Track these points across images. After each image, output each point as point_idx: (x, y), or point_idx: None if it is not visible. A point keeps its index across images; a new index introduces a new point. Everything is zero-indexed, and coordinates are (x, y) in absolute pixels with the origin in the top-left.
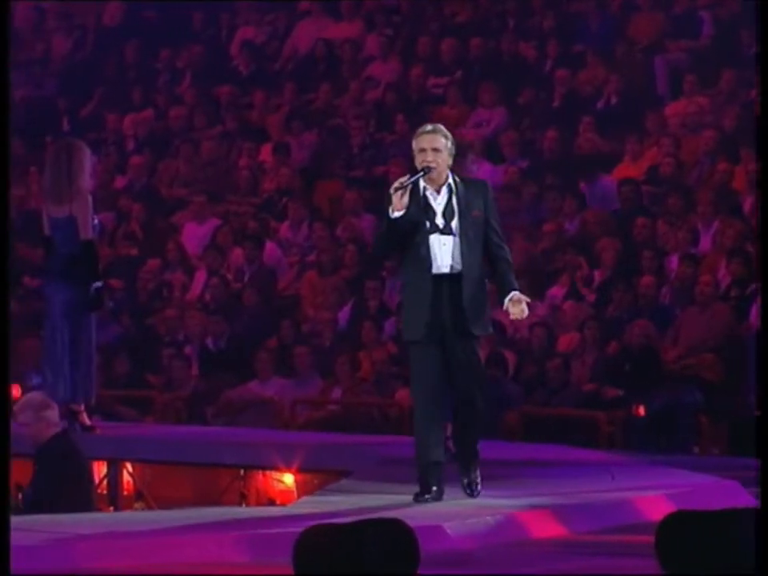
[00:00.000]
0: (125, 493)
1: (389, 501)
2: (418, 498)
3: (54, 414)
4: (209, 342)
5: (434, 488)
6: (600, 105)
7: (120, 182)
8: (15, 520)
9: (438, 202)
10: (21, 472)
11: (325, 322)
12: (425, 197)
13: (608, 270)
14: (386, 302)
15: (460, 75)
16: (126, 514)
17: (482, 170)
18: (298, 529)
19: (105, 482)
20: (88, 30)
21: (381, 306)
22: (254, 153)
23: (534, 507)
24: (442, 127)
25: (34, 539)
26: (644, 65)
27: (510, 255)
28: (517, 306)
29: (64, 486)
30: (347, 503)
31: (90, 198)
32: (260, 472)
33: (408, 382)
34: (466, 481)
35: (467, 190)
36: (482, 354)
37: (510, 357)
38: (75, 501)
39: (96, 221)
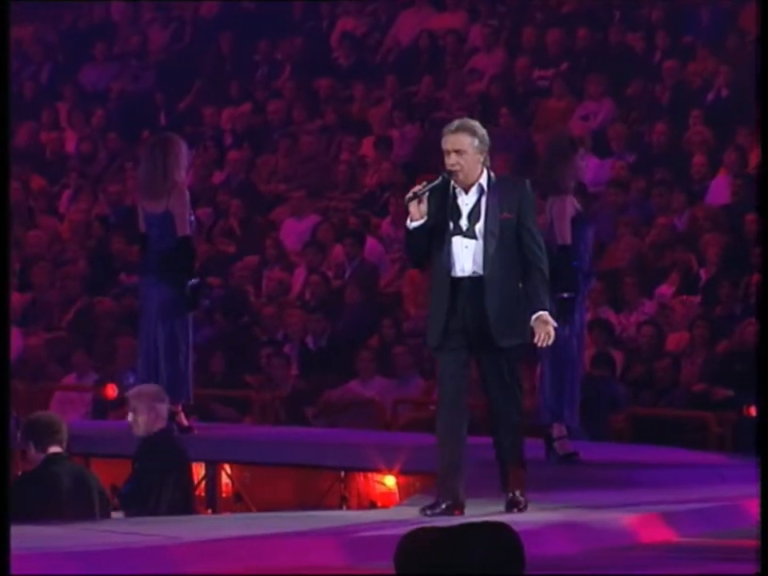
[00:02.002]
0: (223, 495)
1: (493, 504)
2: (425, 512)
3: (164, 408)
4: (309, 340)
5: (444, 504)
6: (710, 97)
7: (217, 177)
8: (111, 521)
9: (466, 203)
10: (115, 472)
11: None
12: (454, 197)
13: (714, 267)
14: None
15: (566, 67)
16: (225, 517)
17: (589, 164)
18: (400, 532)
19: (203, 484)
20: (185, 22)
21: None
22: (354, 147)
23: (641, 511)
24: (469, 124)
25: (131, 542)
26: (755, 56)
27: (546, 263)
28: (542, 327)
29: (163, 484)
30: None
31: (186, 194)
32: (361, 474)
33: None
34: (507, 499)
35: (501, 190)
36: (587, 354)
37: (618, 356)
38: (174, 500)
39: (193, 217)
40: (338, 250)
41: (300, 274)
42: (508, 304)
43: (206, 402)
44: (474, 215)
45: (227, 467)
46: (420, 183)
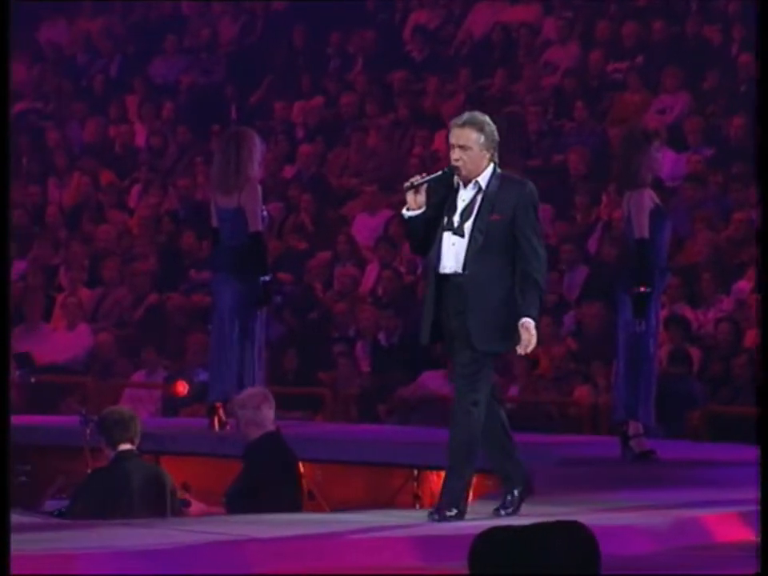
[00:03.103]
0: None
1: (567, 502)
2: (430, 515)
3: (271, 412)
4: (381, 337)
5: (454, 509)
6: None
7: (289, 171)
8: (182, 520)
9: (462, 200)
10: (185, 470)
11: None
12: (456, 192)
13: None
14: (564, 295)
15: (642, 60)
16: (298, 516)
17: (665, 158)
18: (474, 531)
19: None
20: (256, 14)
21: (559, 299)
22: (427, 141)
23: (718, 510)
24: (477, 118)
25: (202, 541)
26: None
27: (539, 269)
28: (523, 334)
29: (272, 486)
30: (524, 505)
31: (259, 189)
32: (434, 472)
33: (588, 380)
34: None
35: (501, 190)
36: (663, 351)
37: (695, 353)
38: (283, 501)
39: (265, 212)
40: (408, 245)
41: (372, 269)
42: (490, 307)
43: (278, 400)
44: (466, 213)
45: (300, 465)
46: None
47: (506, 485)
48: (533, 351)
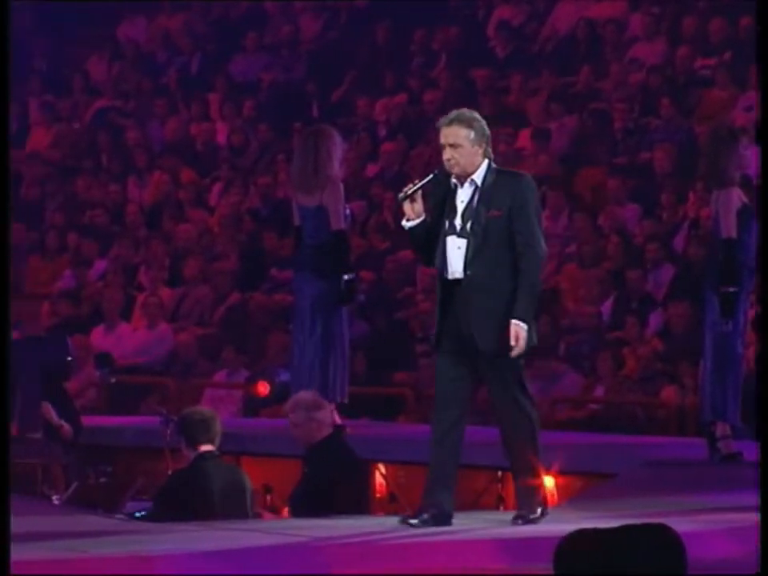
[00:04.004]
0: (377, 495)
1: (654, 505)
2: (404, 520)
3: (325, 414)
4: None
5: (425, 514)
6: None
7: (371, 169)
8: (261, 522)
9: (461, 201)
10: (267, 471)
11: (586, 317)
12: (454, 193)
13: None
14: (650, 294)
15: (729, 56)
16: (380, 518)
17: (753, 155)
18: (559, 533)
19: None
20: (338, 10)
21: (645, 298)
22: (511, 139)
23: None
24: (465, 115)
25: (282, 542)
26: None
27: (534, 268)
28: (512, 336)
29: (336, 488)
30: (610, 507)
31: (341, 187)
32: None
33: (674, 380)
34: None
35: (497, 185)
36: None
37: None
38: (348, 503)
39: (347, 210)
40: None
41: None
42: (496, 309)
43: (359, 400)
44: (467, 213)
45: (381, 467)
46: (412, 182)
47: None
48: (618, 350)
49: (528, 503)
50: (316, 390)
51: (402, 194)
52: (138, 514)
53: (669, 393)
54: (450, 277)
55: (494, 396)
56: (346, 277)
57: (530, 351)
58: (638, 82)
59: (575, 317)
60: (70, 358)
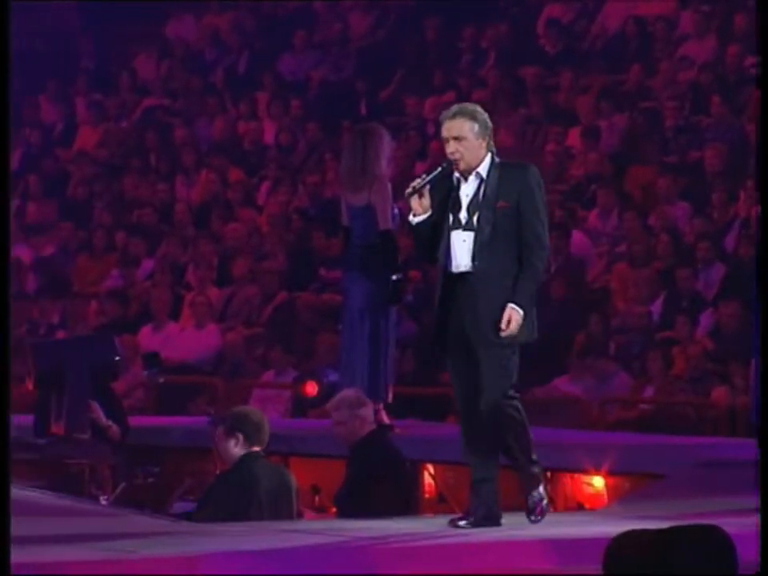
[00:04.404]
0: (426, 496)
1: (704, 506)
2: (453, 521)
3: (368, 411)
4: None
5: (474, 516)
6: None
7: (420, 168)
8: (308, 522)
9: (466, 194)
10: (315, 472)
11: (636, 316)
12: (457, 188)
13: None
14: (701, 293)
15: None
16: (427, 519)
17: None
18: (609, 535)
19: None
20: (388, 8)
21: (695, 298)
22: (561, 137)
23: None
24: (468, 108)
25: (328, 542)
26: None
27: (541, 257)
28: (504, 317)
29: (380, 486)
30: (660, 508)
31: (388, 186)
32: (568, 474)
33: (725, 380)
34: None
35: (502, 176)
36: None
37: None
38: (392, 501)
39: (396, 209)
40: None
41: None
42: (500, 300)
43: (407, 400)
44: (473, 206)
45: (430, 467)
46: (420, 176)
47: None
48: (668, 350)
49: (530, 490)
50: (364, 390)
51: (410, 189)
52: (183, 513)
53: (719, 393)
54: (454, 270)
55: (484, 384)
56: (394, 277)
57: (528, 342)
58: (688, 80)
59: (625, 316)
60: (117, 358)
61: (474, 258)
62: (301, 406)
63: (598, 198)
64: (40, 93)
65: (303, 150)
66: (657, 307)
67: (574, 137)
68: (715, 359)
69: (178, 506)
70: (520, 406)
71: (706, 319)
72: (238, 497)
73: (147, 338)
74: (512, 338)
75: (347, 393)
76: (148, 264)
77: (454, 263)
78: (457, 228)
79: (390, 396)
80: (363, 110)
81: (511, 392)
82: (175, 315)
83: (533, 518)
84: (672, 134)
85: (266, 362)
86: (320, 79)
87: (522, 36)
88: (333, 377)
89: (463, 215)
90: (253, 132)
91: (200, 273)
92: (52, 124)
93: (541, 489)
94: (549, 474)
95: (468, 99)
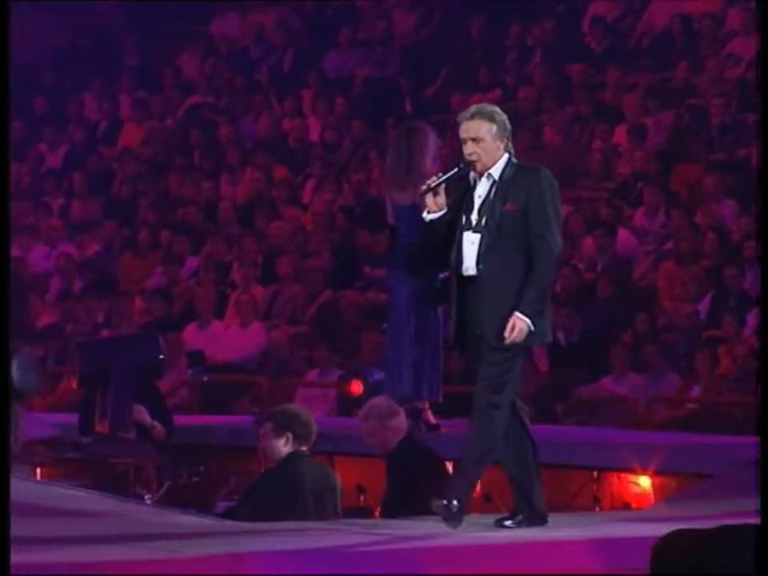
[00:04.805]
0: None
1: (751, 505)
2: (499, 521)
3: (399, 420)
4: (559, 335)
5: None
6: None
7: None
8: (352, 522)
9: (479, 195)
10: (360, 471)
11: (683, 315)
12: (472, 188)
13: None
14: (748, 292)
15: None
16: (472, 518)
17: None
18: (656, 535)
19: None
20: (432, 5)
21: (742, 296)
22: (607, 135)
23: None
24: (486, 109)
25: (374, 543)
26: None
27: (547, 264)
28: (509, 326)
29: (422, 491)
30: (707, 508)
31: None
32: (614, 474)
33: None
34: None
35: (514, 179)
36: None
37: None
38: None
39: None
40: (588, 241)
41: None
42: (502, 303)
43: (453, 399)
44: (484, 208)
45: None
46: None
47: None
48: (715, 349)
49: (451, 492)
50: (410, 389)
51: (425, 187)
52: (226, 509)
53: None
54: (464, 273)
55: (475, 391)
56: (440, 276)
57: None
58: (735, 77)
59: (672, 315)
60: (162, 357)
61: (478, 261)
62: (346, 405)
63: (645, 196)
64: (84, 90)
65: (348, 148)
66: (704, 306)
67: (621, 134)
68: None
69: (222, 505)
70: (498, 419)
71: (752, 318)
72: (282, 495)
73: (192, 336)
74: (516, 344)
75: (376, 402)
76: (193, 262)
77: (463, 265)
78: (468, 229)
79: (439, 395)
80: (408, 108)
81: (496, 399)
82: (220, 314)
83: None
84: (718, 132)
85: (311, 361)
86: (365, 77)
87: (568, 33)
88: (378, 376)
89: (474, 216)
90: (298, 130)
91: (244, 271)
92: (96, 122)
93: (455, 502)
94: (595, 473)
95: (514, 97)
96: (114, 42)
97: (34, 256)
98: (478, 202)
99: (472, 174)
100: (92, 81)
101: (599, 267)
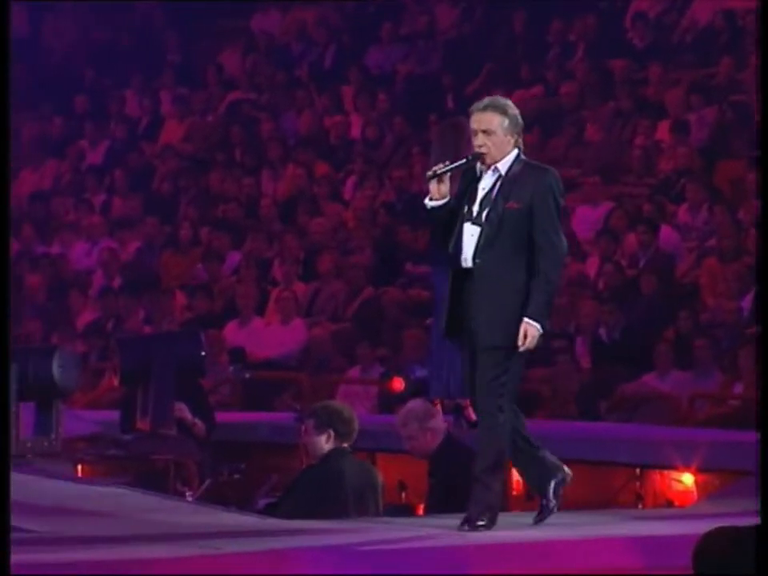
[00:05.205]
0: (514, 493)
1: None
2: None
3: (438, 420)
4: (602, 332)
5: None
6: None
7: None
8: (394, 520)
9: (482, 188)
10: (402, 468)
11: (726, 312)
12: (477, 180)
13: None
14: None
15: None
16: (513, 516)
17: None
18: (699, 532)
19: None
20: (475, 0)
21: None
22: (650, 131)
23: None
24: (500, 102)
25: (423, 541)
26: None
27: (553, 266)
28: (521, 334)
29: (462, 490)
30: (750, 505)
31: None
32: (657, 471)
33: None
34: (467, 511)
35: (520, 176)
36: None
37: None
38: None
39: None
40: (631, 238)
41: (593, 263)
42: (501, 301)
43: None
44: (485, 201)
45: None
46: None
47: (539, 491)
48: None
49: (476, 505)
50: (453, 385)
51: (430, 173)
52: (266, 504)
53: None
54: (462, 265)
55: (477, 387)
56: None
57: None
58: None
59: (715, 312)
60: (203, 354)
61: (475, 255)
62: (388, 402)
63: (688, 192)
64: (125, 87)
65: (390, 144)
66: (747, 303)
67: (664, 130)
68: None
69: (263, 502)
70: (503, 422)
71: None
72: (323, 492)
73: (233, 333)
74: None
75: (413, 406)
76: (233, 259)
77: (462, 256)
78: (468, 221)
79: None
80: (450, 104)
81: (500, 402)
82: (261, 311)
83: (465, 528)
84: (762, 128)
85: (353, 358)
86: (406, 73)
87: (611, 29)
88: (420, 373)
89: (476, 208)
90: (339, 126)
91: (286, 268)
92: (137, 118)
93: (480, 522)
94: (638, 470)
95: (556, 93)
96: (155, 38)
97: (76, 253)
98: (480, 195)
99: (479, 166)
100: (133, 77)
101: (642, 264)
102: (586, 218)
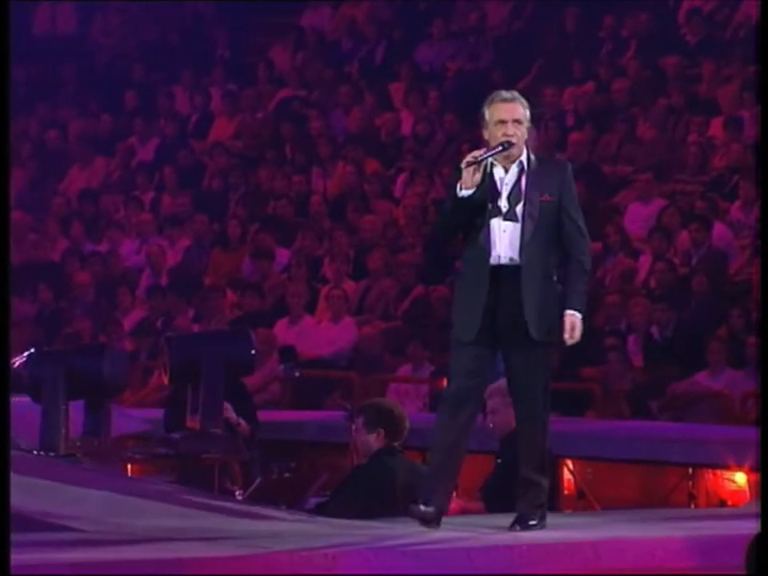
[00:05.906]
0: (565, 492)
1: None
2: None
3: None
4: (654, 330)
5: (423, 506)
6: None
7: None
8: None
9: (506, 182)
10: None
11: None
12: (491, 174)
13: None
14: None
15: None
16: (566, 516)
17: None
18: (752, 532)
19: None
20: None
21: None
22: (702, 128)
23: None
24: (522, 95)
25: (476, 539)
26: None
27: (587, 255)
28: (567, 323)
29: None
30: None
31: None
32: (710, 471)
33: None
34: (518, 511)
35: (542, 169)
36: None
37: None
38: None
39: None
40: (683, 236)
41: (645, 261)
42: (543, 295)
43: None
44: (513, 195)
45: (569, 463)
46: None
47: None
48: None
49: (528, 504)
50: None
51: (470, 158)
52: (316, 504)
53: None
54: (496, 262)
55: (523, 385)
56: None
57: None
58: None
59: None
60: (253, 352)
61: (520, 252)
62: (438, 401)
63: (741, 189)
64: (175, 83)
65: (440, 141)
66: None
67: (717, 127)
68: None
69: (313, 501)
70: (548, 420)
71: None
72: (373, 491)
73: (283, 331)
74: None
75: (503, 383)
76: (283, 257)
77: (494, 254)
78: (497, 216)
79: None
80: None
81: (545, 399)
82: (311, 309)
83: (521, 527)
84: None
85: (403, 356)
86: (457, 69)
87: (663, 25)
88: None
89: (503, 204)
90: (389, 123)
91: (336, 266)
92: (187, 115)
93: (532, 522)
94: (691, 470)
95: (608, 89)
96: (205, 35)
97: (125, 251)
98: (505, 190)
99: (490, 160)
100: (182, 74)
101: (694, 261)
102: (639, 216)
